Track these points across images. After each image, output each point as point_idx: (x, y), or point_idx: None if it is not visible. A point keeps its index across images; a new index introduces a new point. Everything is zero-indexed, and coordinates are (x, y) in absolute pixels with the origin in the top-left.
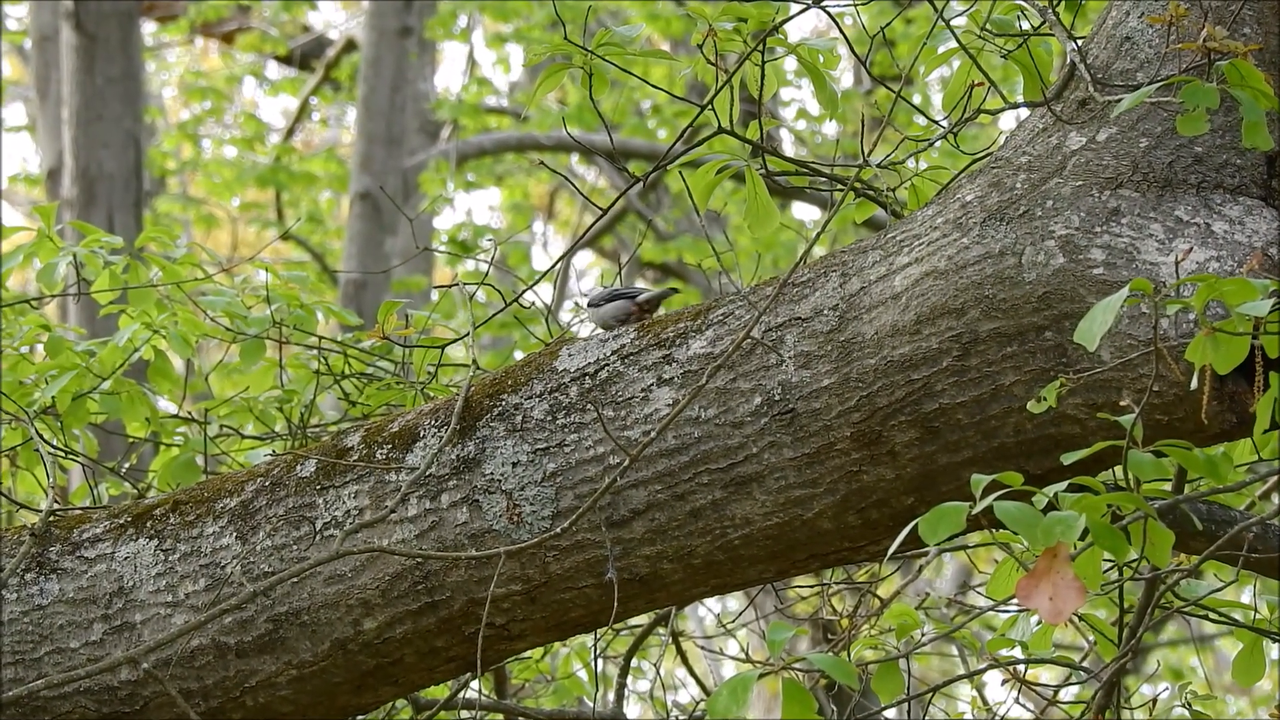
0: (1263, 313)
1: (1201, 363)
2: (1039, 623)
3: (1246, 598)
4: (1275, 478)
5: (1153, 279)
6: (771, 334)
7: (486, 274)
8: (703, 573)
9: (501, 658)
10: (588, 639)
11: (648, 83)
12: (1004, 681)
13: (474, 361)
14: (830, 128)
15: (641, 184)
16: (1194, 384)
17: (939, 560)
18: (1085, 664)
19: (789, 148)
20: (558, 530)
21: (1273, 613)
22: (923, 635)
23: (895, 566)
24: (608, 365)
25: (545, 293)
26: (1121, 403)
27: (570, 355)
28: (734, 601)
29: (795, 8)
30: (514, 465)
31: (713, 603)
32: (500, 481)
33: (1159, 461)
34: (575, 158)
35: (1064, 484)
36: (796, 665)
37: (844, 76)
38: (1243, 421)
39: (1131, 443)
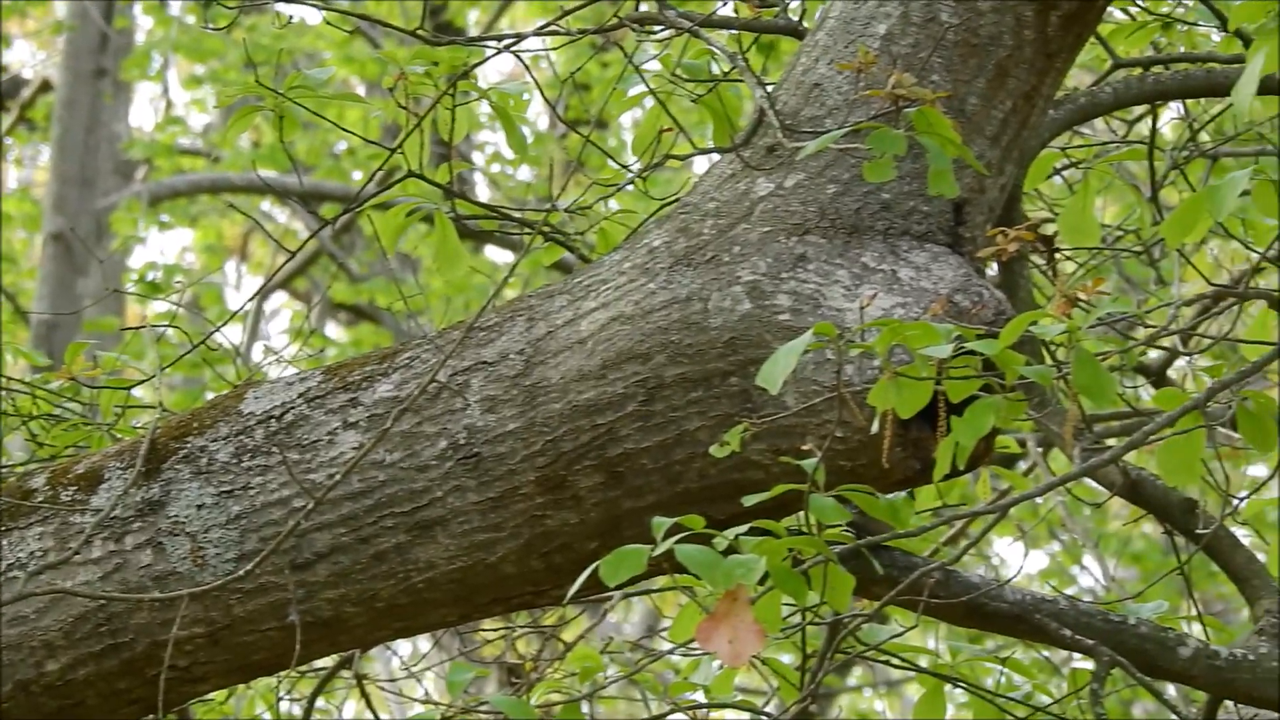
0: (945, 355)
1: (884, 407)
2: (721, 666)
3: (932, 643)
4: (961, 523)
5: (839, 325)
6: (458, 378)
7: (174, 315)
8: (386, 616)
9: (184, 699)
10: (273, 681)
11: (339, 126)
12: None
13: (160, 403)
14: (525, 171)
15: (331, 226)
16: (876, 429)
17: (628, 604)
18: (769, 708)
19: (483, 190)
20: (241, 573)
21: (955, 658)
22: (606, 678)
23: (582, 609)
24: (293, 408)
25: (235, 334)
26: (805, 448)
27: (256, 398)
28: (426, 643)
29: (489, 52)
30: (199, 508)
31: (404, 645)
32: (185, 524)
33: (840, 506)
34: (269, 200)
35: (745, 527)
36: (480, 708)
37: (540, 119)
38: (926, 467)
39: (814, 487)
